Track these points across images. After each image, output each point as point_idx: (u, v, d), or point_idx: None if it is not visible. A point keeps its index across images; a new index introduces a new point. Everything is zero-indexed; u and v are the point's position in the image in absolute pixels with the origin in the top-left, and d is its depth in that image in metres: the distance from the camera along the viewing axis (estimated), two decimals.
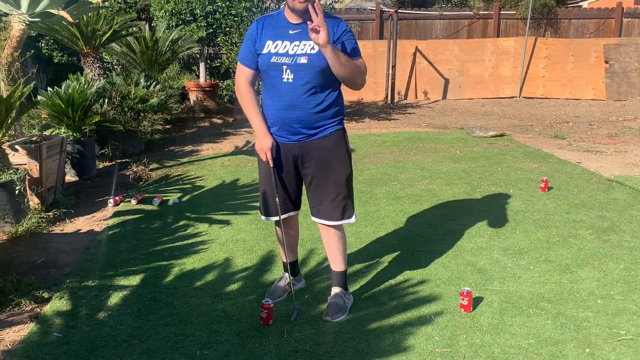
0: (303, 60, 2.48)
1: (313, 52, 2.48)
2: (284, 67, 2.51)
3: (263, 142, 2.64)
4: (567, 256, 3.49)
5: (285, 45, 2.52)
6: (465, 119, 9.20)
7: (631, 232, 3.89)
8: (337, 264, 2.84)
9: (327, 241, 2.80)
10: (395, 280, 3.19)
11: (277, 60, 2.52)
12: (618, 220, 4.13)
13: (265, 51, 2.54)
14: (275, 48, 2.53)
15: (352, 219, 2.76)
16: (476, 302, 2.91)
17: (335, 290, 2.86)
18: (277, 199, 2.71)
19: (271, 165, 2.67)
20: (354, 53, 2.53)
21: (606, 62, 11.20)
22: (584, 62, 11.37)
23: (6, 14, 4.48)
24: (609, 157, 6.20)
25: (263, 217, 2.89)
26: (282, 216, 2.78)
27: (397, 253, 3.56)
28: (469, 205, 4.52)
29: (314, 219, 2.78)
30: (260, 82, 2.74)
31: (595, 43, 11.43)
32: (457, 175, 5.39)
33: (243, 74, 2.65)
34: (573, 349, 2.51)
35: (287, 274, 3.03)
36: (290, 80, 2.52)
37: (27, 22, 4.33)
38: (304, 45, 2.49)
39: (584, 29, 12.08)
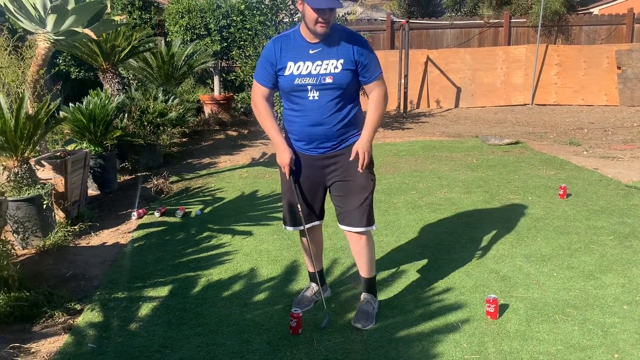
0: (328, 79, 2.55)
1: (337, 70, 2.55)
2: (309, 87, 2.58)
3: (282, 157, 2.73)
4: (590, 262, 3.51)
5: (308, 66, 2.57)
6: (479, 127, 9.23)
7: None
8: (366, 271, 2.88)
9: (356, 248, 2.84)
10: (420, 288, 3.22)
11: (301, 81, 2.58)
12: (639, 227, 4.13)
13: (287, 73, 2.60)
14: (297, 69, 2.58)
15: (374, 226, 2.82)
16: (502, 309, 2.93)
17: (365, 296, 2.91)
18: (300, 208, 2.77)
19: (287, 178, 2.75)
20: (374, 75, 2.65)
21: (618, 67, 11.19)
22: (596, 68, 11.37)
23: (31, 33, 4.60)
24: (626, 163, 6.20)
25: (289, 228, 2.93)
26: (307, 226, 2.83)
27: (419, 261, 3.59)
28: (488, 213, 4.55)
29: (340, 226, 2.82)
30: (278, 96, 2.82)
31: (607, 49, 11.43)
32: (475, 184, 5.42)
33: (259, 91, 2.73)
34: (602, 354, 2.52)
35: (313, 284, 3.07)
36: (316, 99, 2.59)
37: (52, 41, 4.44)
38: (327, 64, 2.56)
39: (595, 36, 12.09)
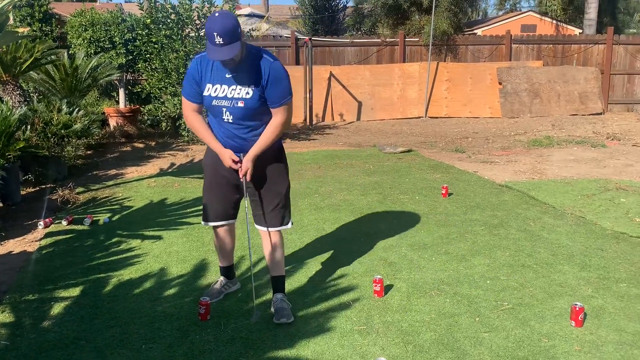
0: (240, 104, 2.78)
1: (248, 96, 2.77)
2: (224, 109, 2.82)
3: (225, 158, 2.90)
4: (464, 248, 4.08)
5: (224, 89, 2.79)
6: (377, 137, 9.90)
7: (517, 227, 4.56)
8: (277, 269, 3.14)
9: (268, 247, 3.11)
10: (319, 276, 3.60)
11: (217, 103, 2.82)
12: (506, 218, 4.80)
13: (206, 93, 2.83)
14: (215, 92, 2.81)
15: (289, 225, 3.13)
16: (387, 289, 3.37)
17: (278, 295, 3.12)
18: (246, 195, 3.02)
19: (241, 175, 2.91)
20: (277, 102, 2.79)
21: (500, 83, 12.41)
22: (480, 83, 12.54)
23: None
24: (501, 167, 7.03)
25: (211, 224, 3.15)
26: (224, 222, 3.13)
27: (319, 254, 3.98)
28: (381, 211, 5.05)
29: (256, 226, 3.11)
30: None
31: (490, 66, 12.66)
32: (371, 187, 5.94)
33: (189, 107, 2.94)
34: (466, 319, 3.02)
35: (222, 277, 3.35)
36: (230, 121, 2.85)
37: None
38: (240, 89, 2.77)
39: (480, 54, 13.32)
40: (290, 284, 3.45)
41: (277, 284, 3.16)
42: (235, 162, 2.89)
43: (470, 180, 6.19)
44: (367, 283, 3.45)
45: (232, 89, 2.79)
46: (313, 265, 3.78)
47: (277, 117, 2.86)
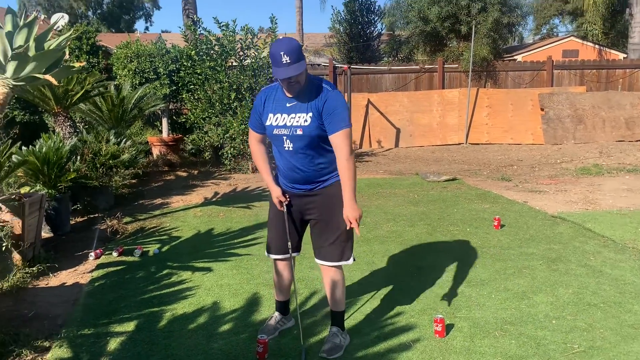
0: (299, 131, 2.81)
1: (306, 123, 2.80)
2: (284, 137, 2.86)
3: (273, 192, 3.01)
4: (523, 284, 3.91)
5: (284, 118, 2.85)
6: (418, 165, 9.78)
7: (576, 261, 4.37)
8: (335, 304, 3.08)
9: (327, 281, 3.06)
10: (374, 313, 3.49)
11: (278, 132, 2.87)
12: (564, 252, 4.61)
13: (268, 123, 2.90)
14: (275, 121, 2.87)
15: (350, 261, 3.03)
16: (448, 328, 3.24)
17: (333, 329, 3.08)
18: (288, 238, 3.00)
19: (280, 210, 2.99)
20: (333, 129, 2.76)
21: (542, 109, 12.18)
22: (522, 109, 12.33)
23: None
24: (551, 196, 6.81)
25: (272, 256, 3.15)
26: (284, 256, 3.09)
27: (372, 290, 3.88)
28: (431, 244, 4.92)
29: (316, 260, 3.06)
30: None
31: (531, 92, 12.45)
32: (418, 217, 5.82)
33: (253, 136, 3.06)
34: None
35: (277, 313, 3.28)
36: (291, 149, 2.87)
37: (12, 86, 4.54)
38: (299, 117, 2.82)
39: (520, 80, 13.13)
40: (346, 322, 3.35)
41: (334, 319, 3.12)
42: (281, 203, 2.98)
43: (521, 211, 6.01)
44: (426, 322, 3.33)
45: (292, 117, 2.84)
46: (367, 302, 3.68)
47: (339, 150, 2.78)
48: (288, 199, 3.00)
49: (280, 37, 2.83)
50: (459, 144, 12.39)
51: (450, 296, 3.73)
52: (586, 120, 12.12)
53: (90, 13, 42.06)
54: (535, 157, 10.46)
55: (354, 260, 3.09)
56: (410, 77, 13.16)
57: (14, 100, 8.58)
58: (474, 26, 13.20)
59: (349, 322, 3.36)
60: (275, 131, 2.88)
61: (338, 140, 2.77)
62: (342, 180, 2.82)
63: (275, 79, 2.83)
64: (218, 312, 3.58)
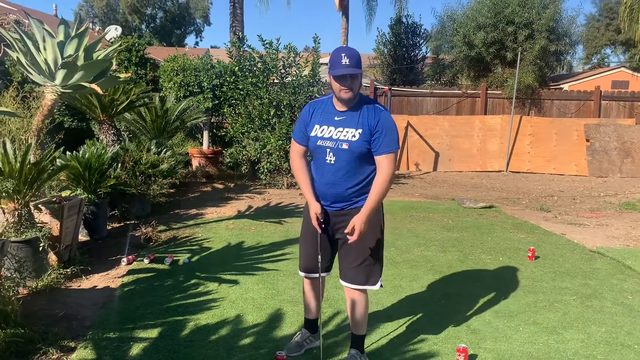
0: (345, 145, 2.81)
1: (354, 139, 2.80)
2: (328, 150, 2.85)
3: (312, 208, 2.93)
4: (554, 319, 3.78)
5: (330, 130, 2.85)
6: (455, 190, 9.64)
7: (612, 299, 4.20)
8: (356, 327, 3.04)
9: (350, 304, 3.02)
10: (397, 338, 3.44)
11: (322, 143, 2.87)
12: (600, 288, 4.44)
13: (313, 134, 2.90)
14: (321, 132, 2.88)
15: (376, 287, 2.97)
16: (471, 359, 3.16)
17: (352, 352, 3.03)
18: (319, 258, 2.95)
19: (319, 231, 2.93)
20: (381, 150, 2.77)
21: (587, 140, 11.86)
22: (566, 139, 12.03)
23: (40, 85, 4.90)
24: (591, 230, 6.59)
25: (302, 274, 3.13)
26: (313, 275, 3.06)
27: (397, 314, 3.82)
28: (462, 271, 4.82)
29: (340, 281, 3.02)
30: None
31: (577, 122, 12.15)
32: (450, 243, 5.73)
33: (295, 148, 3.04)
34: None
35: (305, 330, 3.25)
36: (332, 162, 2.85)
37: (59, 93, 4.74)
38: (347, 132, 2.81)
39: (566, 109, 12.84)
40: (367, 345, 3.31)
41: (354, 341, 3.07)
42: (318, 220, 2.90)
43: (558, 243, 5.83)
44: (449, 350, 3.25)
45: (339, 131, 2.83)
46: (390, 326, 3.63)
47: (382, 170, 2.79)
48: (323, 217, 2.93)
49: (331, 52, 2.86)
50: (499, 171, 12.17)
51: (476, 326, 3.64)
52: (634, 153, 11.73)
53: (143, 26, 43.68)
54: (578, 188, 10.16)
55: (382, 286, 3.03)
56: (452, 101, 13.06)
57: (64, 107, 8.94)
58: (519, 53, 13.03)
59: (370, 345, 3.32)
60: (320, 142, 2.87)
61: (385, 162, 2.79)
62: (371, 193, 2.79)
63: (326, 92, 2.86)
64: (240, 326, 3.59)
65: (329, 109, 2.90)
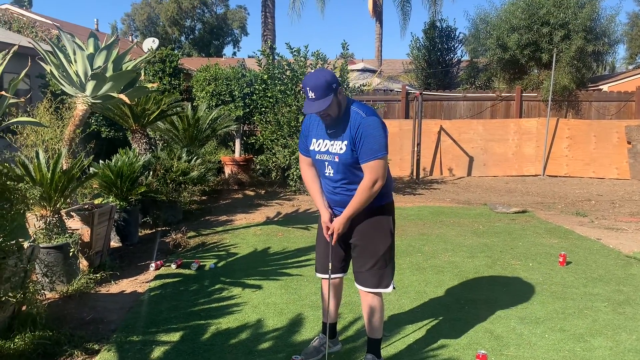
0: (336, 158, 2.86)
1: (341, 152, 2.84)
2: (326, 163, 2.92)
3: (322, 216, 3.00)
4: (582, 326, 3.66)
5: (326, 144, 2.91)
6: (489, 195, 9.46)
7: None
8: (372, 331, 3.03)
9: (365, 307, 3.03)
10: (417, 344, 3.39)
11: (320, 157, 2.93)
12: (634, 295, 4.28)
13: (312, 148, 2.97)
14: (318, 146, 2.94)
15: (389, 289, 2.99)
16: None
17: (368, 356, 3.03)
18: (329, 265, 3.00)
19: (328, 240, 2.99)
20: (364, 158, 2.77)
21: (629, 142, 11.46)
22: (606, 142, 11.66)
23: (71, 96, 5.08)
24: (630, 235, 6.35)
25: (318, 275, 3.19)
26: (332, 276, 3.07)
27: (418, 319, 3.78)
28: (489, 277, 4.73)
29: (355, 284, 3.04)
30: None
31: (617, 124, 11.75)
32: (479, 249, 5.62)
33: (303, 160, 3.11)
34: None
35: (322, 335, 3.24)
36: (331, 174, 2.92)
37: (90, 103, 4.90)
38: (336, 144, 2.86)
39: (605, 111, 12.45)
40: (386, 350, 3.29)
41: (370, 345, 3.07)
42: (328, 228, 2.96)
43: (592, 249, 5.64)
44: (470, 357, 3.19)
45: (332, 144, 2.88)
46: (411, 331, 3.59)
47: (365, 176, 2.80)
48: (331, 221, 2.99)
49: (317, 69, 2.87)
50: (536, 175, 11.89)
51: (500, 333, 3.56)
52: None
53: (183, 38, 44.70)
54: (618, 192, 9.82)
55: (394, 288, 3.03)
56: (486, 104, 12.84)
57: (101, 117, 9.24)
58: (555, 54, 12.71)
59: (389, 350, 3.29)
60: (318, 156, 2.94)
61: (366, 171, 2.81)
62: (352, 201, 2.84)
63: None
64: (260, 330, 3.62)
65: (322, 122, 2.94)
